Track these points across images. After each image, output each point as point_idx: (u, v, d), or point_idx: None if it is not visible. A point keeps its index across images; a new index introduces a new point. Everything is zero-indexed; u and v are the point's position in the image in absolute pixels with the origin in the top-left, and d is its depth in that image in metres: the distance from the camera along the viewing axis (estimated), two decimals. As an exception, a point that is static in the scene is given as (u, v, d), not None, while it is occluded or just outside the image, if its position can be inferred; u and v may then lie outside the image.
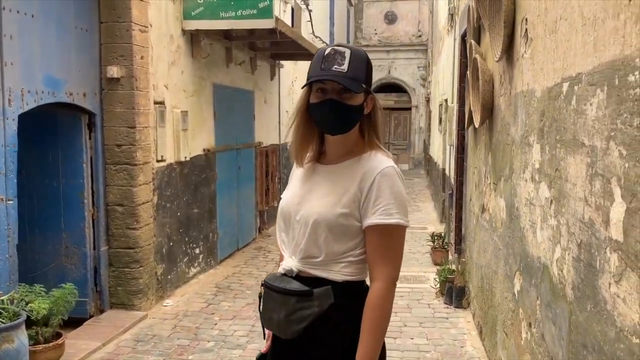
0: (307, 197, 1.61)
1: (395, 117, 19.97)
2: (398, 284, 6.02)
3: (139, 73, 4.60)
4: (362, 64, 1.55)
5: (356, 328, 1.54)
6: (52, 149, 4.43)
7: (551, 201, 2.12)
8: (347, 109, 1.54)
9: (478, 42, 4.30)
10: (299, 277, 1.58)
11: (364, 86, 1.54)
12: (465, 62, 5.84)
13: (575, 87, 1.80)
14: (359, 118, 1.59)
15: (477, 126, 3.93)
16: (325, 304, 1.53)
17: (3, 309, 3.21)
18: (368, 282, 1.59)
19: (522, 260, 2.68)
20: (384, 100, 19.92)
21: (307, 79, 1.56)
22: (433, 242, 6.76)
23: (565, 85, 1.91)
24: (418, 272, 6.30)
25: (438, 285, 5.46)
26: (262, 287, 1.64)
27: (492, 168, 3.68)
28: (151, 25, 4.82)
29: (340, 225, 1.55)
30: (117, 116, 4.59)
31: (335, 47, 1.55)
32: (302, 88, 1.59)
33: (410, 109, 19.64)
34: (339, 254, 1.56)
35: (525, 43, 2.57)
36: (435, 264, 6.48)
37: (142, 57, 4.64)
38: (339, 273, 1.56)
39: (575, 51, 1.81)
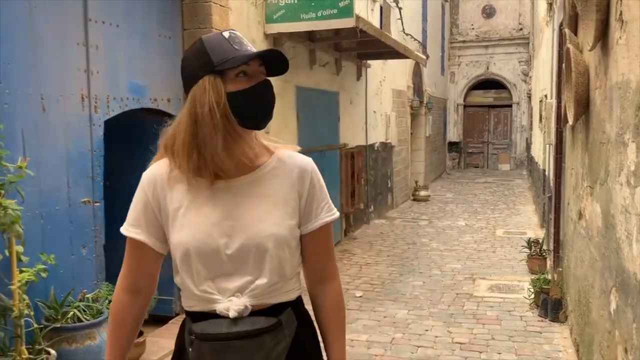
0: (237, 222, 1.31)
1: (495, 114, 19.05)
2: (489, 294, 5.60)
3: (219, 77, 4.67)
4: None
5: (315, 339, 1.45)
6: (137, 153, 4.62)
7: (648, 209, 1.80)
8: (273, 93, 1.34)
9: (575, 31, 3.90)
10: (253, 313, 1.32)
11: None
12: (562, 54, 5.36)
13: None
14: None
15: (570, 123, 3.55)
16: (292, 328, 1.36)
17: (87, 306, 3.37)
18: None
19: (618, 275, 2.34)
20: (482, 97, 19.09)
21: (217, 63, 1.27)
22: (530, 248, 6.28)
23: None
24: (512, 281, 5.88)
25: (532, 296, 5.04)
26: (196, 341, 1.30)
27: (588, 170, 3.30)
28: (232, 30, 4.89)
29: (294, 239, 1.37)
30: (200, 120, 4.69)
31: (231, 31, 1.33)
32: (213, 75, 1.28)
33: (510, 106, 18.63)
34: (292, 271, 1.39)
35: (620, 27, 2.24)
36: (532, 272, 6.01)
37: (222, 62, 4.72)
38: (292, 291, 1.39)
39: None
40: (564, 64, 4.04)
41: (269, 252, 1.32)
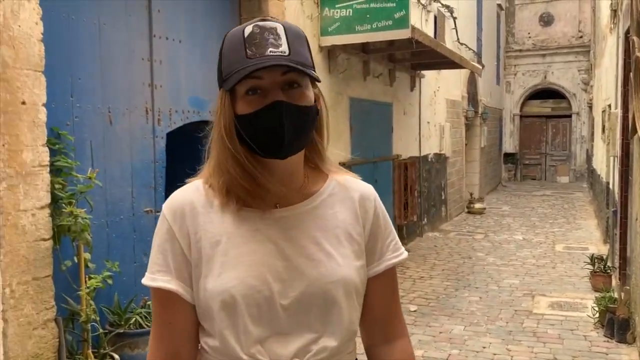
0: (292, 263, 1.02)
1: (553, 125, 18.44)
2: (550, 311, 5.40)
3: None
4: (302, 41, 1.03)
5: None
6: (196, 164, 4.75)
7: None
8: (301, 113, 0.99)
9: (643, 37, 3.73)
10: None
11: (315, 74, 1.02)
12: (629, 63, 5.14)
13: None
14: (314, 125, 1.06)
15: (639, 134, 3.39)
16: None
17: (149, 313, 3.47)
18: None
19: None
20: (540, 107, 18.54)
21: (225, 77, 1.00)
22: (593, 265, 6.02)
23: None
24: (574, 299, 5.64)
25: (597, 315, 4.82)
26: None
27: (660, 183, 3.13)
28: (288, 44, 4.96)
29: (363, 284, 1.09)
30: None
31: (260, 24, 0.99)
32: (223, 90, 1.02)
33: (570, 116, 18.00)
34: (356, 325, 1.10)
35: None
36: (595, 289, 5.75)
37: (279, 75, 4.79)
38: (351, 354, 1.10)
39: None
40: (631, 73, 3.87)
41: (337, 303, 1.03)
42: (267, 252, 1.02)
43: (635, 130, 3.94)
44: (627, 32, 5.05)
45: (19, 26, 2.46)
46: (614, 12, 6.78)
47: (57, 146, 2.84)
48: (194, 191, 1.07)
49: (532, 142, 18.60)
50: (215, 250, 1.02)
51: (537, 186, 16.94)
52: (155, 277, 1.05)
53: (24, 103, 2.49)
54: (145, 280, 1.06)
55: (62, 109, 3.03)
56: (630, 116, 4.21)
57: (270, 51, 0.97)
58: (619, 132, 5.83)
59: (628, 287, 4.63)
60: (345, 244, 1.07)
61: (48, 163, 2.66)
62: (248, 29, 0.99)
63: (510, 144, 18.48)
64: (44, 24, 2.60)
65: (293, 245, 1.03)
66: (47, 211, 2.66)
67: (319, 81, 1.04)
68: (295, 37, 1.01)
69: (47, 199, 2.66)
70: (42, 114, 2.58)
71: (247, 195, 1.03)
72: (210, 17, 4.37)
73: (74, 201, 2.81)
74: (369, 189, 1.15)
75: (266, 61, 0.96)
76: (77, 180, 2.93)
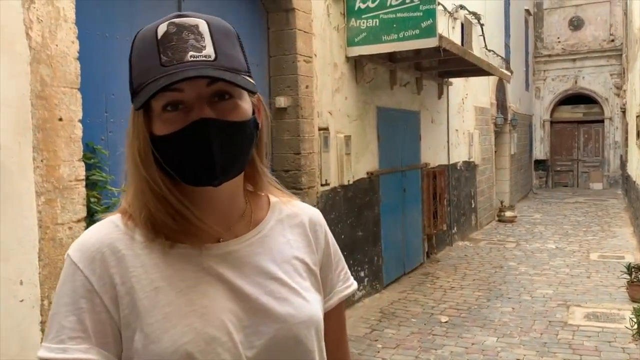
0: (252, 304, 0.83)
1: (585, 130, 18.06)
2: (585, 322, 5.27)
3: (303, 102, 4.78)
4: (232, 40, 0.83)
5: None
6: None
7: None
8: (234, 130, 0.81)
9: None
10: None
11: (251, 79, 0.84)
12: (665, 66, 5.02)
13: None
14: (254, 141, 0.86)
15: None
16: None
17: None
18: None
19: None
20: (571, 112, 18.20)
21: (136, 90, 0.81)
22: (630, 274, 5.85)
23: None
24: (610, 309, 5.48)
25: (635, 327, 4.67)
26: None
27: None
28: (315, 55, 5.00)
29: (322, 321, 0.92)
30: (285, 144, 4.81)
31: (176, 20, 0.80)
32: (136, 109, 0.81)
33: (602, 121, 17.61)
34: None
35: None
36: (633, 300, 5.59)
37: (306, 87, 4.83)
38: None
39: None
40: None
41: (309, 349, 0.86)
42: (220, 295, 0.82)
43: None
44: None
45: (57, 45, 2.54)
46: (648, 15, 6.63)
47: (92, 160, 2.92)
48: (111, 229, 0.83)
49: (564, 148, 18.24)
50: (154, 301, 0.79)
51: (569, 193, 16.58)
52: (66, 347, 0.76)
53: (61, 120, 2.57)
54: (48, 353, 0.77)
55: (97, 124, 3.11)
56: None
57: (191, 56, 0.77)
58: (655, 138, 5.69)
59: (668, 298, 4.48)
60: (304, 275, 0.91)
61: (84, 177, 2.73)
62: (162, 28, 0.79)
63: (540, 151, 18.16)
64: (79, 43, 2.68)
65: (249, 283, 0.84)
66: (83, 224, 2.72)
67: (255, 92, 0.85)
68: (222, 35, 0.81)
69: (83, 213, 2.72)
70: (78, 130, 2.65)
71: (176, 233, 0.83)
72: (238, 31, 4.42)
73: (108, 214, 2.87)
74: (317, 212, 1.01)
75: (186, 69, 0.76)
76: (112, 194, 2.99)
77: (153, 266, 0.82)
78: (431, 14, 5.21)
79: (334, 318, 0.98)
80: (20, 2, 2.39)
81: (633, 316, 4.77)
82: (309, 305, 0.88)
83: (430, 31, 5.25)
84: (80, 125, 2.68)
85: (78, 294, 0.79)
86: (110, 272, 0.80)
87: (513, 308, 5.65)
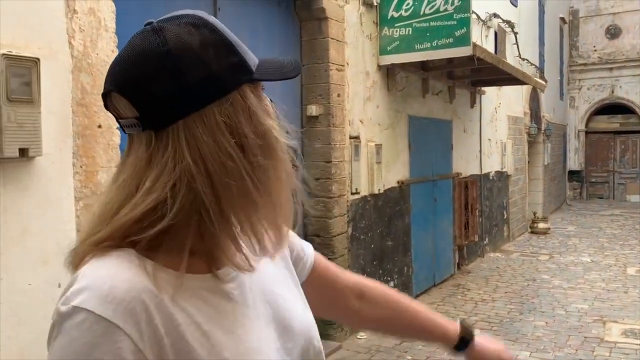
0: (279, 326, 0.80)
1: (622, 141, 17.59)
2: (623, 339, 5.11)
3: (335, 110, 4.78)
4: None
5: None
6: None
7: None
8: None
9: None
10: None
11: None
12: None
13: None
14: None
15: None
16: None
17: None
18: None
19: None
20: (607, 122, 17.77)
21: (255, 70, 0.75)
22: (670, 291, 5.65)
23: None
24: (649, 326, 5.30)
25: (676, 346, 4.50)
26: None
27: None
28: (347, 64, 5.00)
29: None
30: (316, 151, 4.82)
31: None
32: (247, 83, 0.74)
33: (640, 132, 17.15)
34: None
35: None
36: (674, 318, 5.39)
37: (338, 95, 4.83)
38: None
39: None
40: None
41: (320, 348, 0.87)
42: (256, 325, 0.77)
43: None
44: None
45: (97, 54, 2.60)
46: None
47: (128, 167, 2.97)
48: (133, 268, 0.68)
49: (599, 159, 17.79)
50: (209, 348, 0.69)
51: (605, 205, 16.14)
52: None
53: (100, 126, 2.62)
54: None
55: (134, 131, 3.17)
56: None
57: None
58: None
59: None
60: (289, 280, 0.89)
61: (120, 183, 2.78)
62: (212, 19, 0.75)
63: (575, 162, 17.75)
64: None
65: (269, 305, 0.80)
66: (119, 229, 2.77)
67: None
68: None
69: (119, 218, 2.77)
70: (116, 137, 2.71)
71: (200, 261, 0.74)
72: (271, 40, 4.47)
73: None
74: None
75: (295, 62, 0.79)
76: (147, 200, 3.03)
77: (191, 306, 0.69)
78: (465, 23, 5.16)
79: (321, 266, 1.02)
80: (64, 12, 2.46)
81: (674, 334, 4.60)
82: (308, 311, 0.87)
83: (464, 40, 5.20)
84: (118, 132, 2.74)
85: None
86: (154, 324, 0.65)
87: (547, 322, 5.52)
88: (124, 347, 0.62)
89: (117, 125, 0.79)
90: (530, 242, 10.27)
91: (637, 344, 4.86)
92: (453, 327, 1.18)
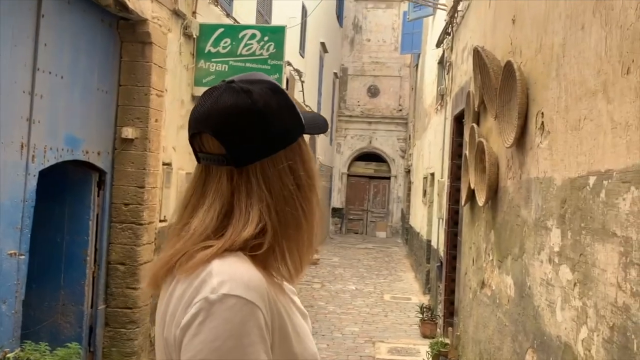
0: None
1: (375, 185, 20.38)
2: (390, 356, 5.97)
3: (152, 135, 4.72)
4: None
5: None
6: (59, 205, 4.44)
7: (574, 283, 2.27)
8: None
9: (478, 125, 4.59)
10: None
11: None
12: (458, 142, 6.15)
13: (605, 182, 1.99)
14: None
15: (481, 205, 4.14)
16: None
17: (8, 368, 3.14)
18: None
19: (535, 338, 2.79)
20: (364, 168, 20.40)
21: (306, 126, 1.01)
22: (422, 313, 6.82)
23: (593, 179, 2.11)
24: (408, 344, 6.32)
25: (430, 359, 5.49)
26: None
27: (495, 246, 3.85)
28: (166, 90, 5.00)
29: None
30: (127, 175, 4.66)
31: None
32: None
33: (389, 178, 20.11)
34: None
35: (542, 134, 2.81)
36: (424, 336, 6.52)
37: (156, 120, 4.78)
38: None
39: (604, 150, 2.02)
40: (467, 152, 4.69)
41: None
42: (300, 317, 1.00)
43: (469, 199, 4.75)
44: (458, 117, 6.05)
45: None
46: (442, 97, 8.03)
47: None
48: (253, 267, 0.90)
49: (357, 199, 20.28)
50: (293, 326, 0.93)
51: (360, 239, 18.39)
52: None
53: None
54: None
55: None
56: (463, 187, 5.03)
57: None
58: (445, 199, 6.84)
59: (458, 333, 5.39)
60: None
61: None
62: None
63: (337, 200, 19.90)
64: None
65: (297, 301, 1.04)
66: None
67: None
68: None
69: None
70: None
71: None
72: (92, 55, 4.26)
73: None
74: None
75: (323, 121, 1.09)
76: None
77: (284, 304, 0.93)
78: (278, 69, 5.63)
79: None
80: None
81: (429, 349, 5.59)
82: None
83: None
84: None
85: (264, 331, 0.85)
86: (272, 309, 0.88)
87: (328, 345, 6.14)
88: (262, 322, 0.85)
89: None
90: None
91: (401, 359, 5.75)
92: None
